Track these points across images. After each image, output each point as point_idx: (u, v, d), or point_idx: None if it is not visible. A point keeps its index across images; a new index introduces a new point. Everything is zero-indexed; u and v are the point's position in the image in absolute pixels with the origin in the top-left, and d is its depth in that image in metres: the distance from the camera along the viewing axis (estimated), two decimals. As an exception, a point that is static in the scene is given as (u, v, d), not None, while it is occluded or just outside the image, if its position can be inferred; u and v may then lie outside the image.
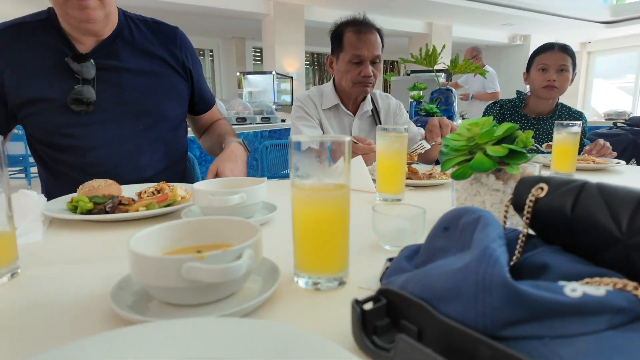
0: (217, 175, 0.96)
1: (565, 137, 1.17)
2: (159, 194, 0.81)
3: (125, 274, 0.46)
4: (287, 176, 2.25)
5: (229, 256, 0.41)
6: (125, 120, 1.04)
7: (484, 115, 1.95)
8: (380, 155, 0.87)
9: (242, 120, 3.65)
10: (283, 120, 4.08)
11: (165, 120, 1.11)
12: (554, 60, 1.70)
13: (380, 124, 1.53)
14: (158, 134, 1.10)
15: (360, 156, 1.05)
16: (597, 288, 0.32)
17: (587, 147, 1.61)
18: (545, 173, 0.74)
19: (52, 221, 0.76)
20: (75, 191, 0.82)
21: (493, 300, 0.32)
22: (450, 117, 2.16)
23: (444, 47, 2.12)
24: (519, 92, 1.90)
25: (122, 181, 0.91)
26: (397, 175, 0.86)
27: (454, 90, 2.25)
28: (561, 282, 0.33)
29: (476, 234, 0.39)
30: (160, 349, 0.33)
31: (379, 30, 1.42)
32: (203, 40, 8.82)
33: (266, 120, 3.84)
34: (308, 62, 8.86)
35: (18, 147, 4.36)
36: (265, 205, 0.83)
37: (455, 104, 2.26)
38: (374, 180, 1.08)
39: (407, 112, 1.84)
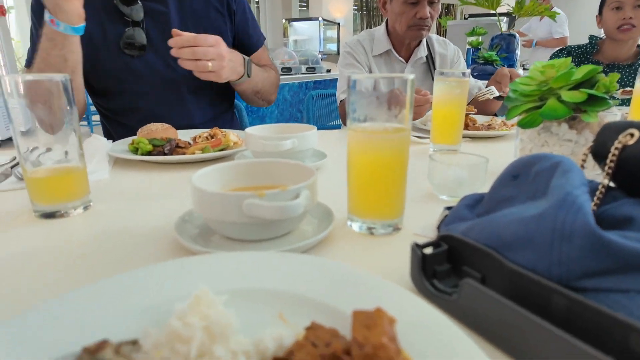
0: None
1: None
2: (212, 139, 0.83)
3: (188, 209, 0.48)
4: (333, 127, 2.22)
5: (287, 195, 0.41)
6: (172, 66, 1.03)
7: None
8: (437, 102, 0.82)
9: (287, 70, 3.59)
10: (328, 71, 3.96)
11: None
12: None
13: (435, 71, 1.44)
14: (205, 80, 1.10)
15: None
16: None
17: None
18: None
19: (116, 161, 0.81)
20: (134, 135, 0.86)
21: (572, 249, 0.30)
22: (512, 66, 1.99)
23: (508, -14, 1.91)
24: (592, 37, 1.69)
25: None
26: (455, 124, 0.81)
27: (517, 35, 2.05)
28: (655, 234, 0.30)
29: (554, 180, 0.36)
30: (223, 278, 0.35)
31: None
32: (248, -14, 8.53)
33: (311, 70, 3.75)
34: (356, 7, 8.35)
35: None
36: (314, 153, 0.82)
37: (518, 52, 2.06)
38: (425, 131, 1.03)
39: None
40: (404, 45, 1.41)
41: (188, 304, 0.27)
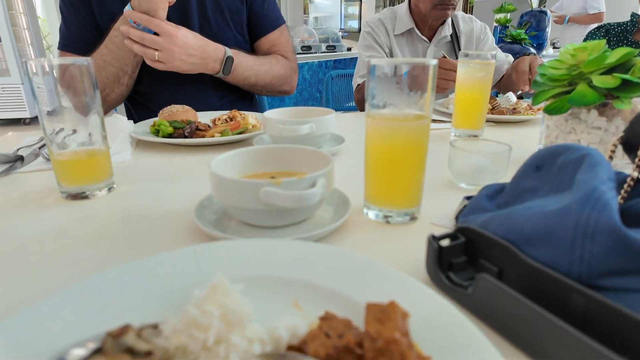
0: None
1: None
2: (231, 122, 0.83)
3: (207, 194, 0.49)
4: (352, 108, 2.19)
5: (304, 183, 0.41)
6: None
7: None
8: (460, 85, 0.79)
9: (306, 48, 3.53)
10: (349, 49, 3.88)
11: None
12: None
13: (460, 50, 1.38)
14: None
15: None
16: None
17: None
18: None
19: (138, 142, 0.82)
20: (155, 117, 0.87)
21: (595, 246, 0.29)
22: (541, 45, 1.90)
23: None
24: (634, 15, 1.59)
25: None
26: (479, 108, 0.78)
27: (548, 12, 1.95)
28: (685, 235, 0.28)
29: (580, 173, 0.35)
30: (240, 265, 0.35)
31: None
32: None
33: (331, 48, 3.68)
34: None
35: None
36: (333, 137, 0.82)
37: (549, 30, 1.97)
38: (446, 115, 1.00)
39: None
40: (427, 23, 1.36)
41: (205, 291, 0.28)
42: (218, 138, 0.76)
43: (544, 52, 2.07)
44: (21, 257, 0.41)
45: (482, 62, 0.77)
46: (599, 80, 0.58)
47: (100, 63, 0.93)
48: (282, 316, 0.30)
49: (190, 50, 0.89)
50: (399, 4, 1.43)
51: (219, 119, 0.84)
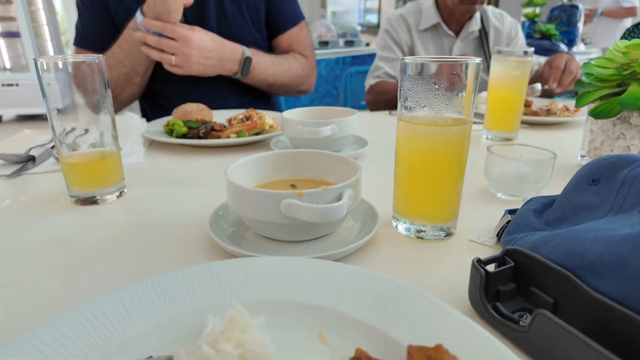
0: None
1: None
2: (247, 121, 0.80)
3: (222, 201, 0.45)
4: (369, 106, 2.13)
5: (329, 195, 0.37)
6: None
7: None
8: (493, 84, 0.74)
9: (324, 44, 3.47)
10: (367, 44, 3.80)
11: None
12: None
13: (488, 47, 1.31)
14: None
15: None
16: None
17: None
18: None
19: (151, 143, 0.80)
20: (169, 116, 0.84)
21: (684, 285, 0.24)
22: (572, 41, 1.81)
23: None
24: None
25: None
26: (514, 109, 0.73)
27: (580, 7, 1.85)
28: None
29: (657, 194, 0.30)
30: (259, 287, 0.32)
31: None
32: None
33: (349, 44, 3.60)
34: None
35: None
36: (355, 139, 0.77)
37: (580, 25, 1.87)
38: (477, 115, 0.95)
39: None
40: (454, 17, 1.29)
41: (222, 324, 0.24)
42: (234, 139, 0.73)
43: (574, 49, 1.97)
44: (25, 270, 0.38)
45: (518, 59, 0.71)
46: (657, 81, 0.52)
47: (113, 62, 0.92)
48: (308, 354, 0.26)
49: (207, 52, 0.86)
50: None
51: (235, 118, 0.81)
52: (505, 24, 1.33)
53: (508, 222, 0.41)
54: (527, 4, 1.85)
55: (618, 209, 0.35)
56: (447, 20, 1.31)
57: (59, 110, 0.50)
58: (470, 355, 0.24)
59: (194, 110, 0.79)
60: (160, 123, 0.85)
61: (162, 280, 0.31)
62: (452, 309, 0.27)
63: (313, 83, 1.16)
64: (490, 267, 0.33)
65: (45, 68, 0.49)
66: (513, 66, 0.71)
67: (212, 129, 0.75)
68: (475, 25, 1.29)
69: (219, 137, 0.74)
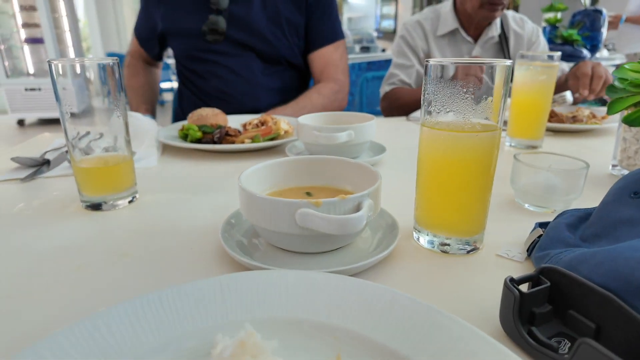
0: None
1: None
2: (262, 126, 0.78)
3: (235, 209, 0.44)
4: (385, 112, 2.11)
5: (347, 205, 0.35)
6: (247, 53, 1.09)
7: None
8: (518, 90, 0.71)
9: (340, 50, 3.47)
10: (383, 50, 3.78)
11: (281, 58, 1.12)
12: None
13: (509, 53, 1.27)
14: (275, 69, 1.13)
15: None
16: None
17: None
18: None
19: (165, 148, 0.79)
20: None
21: None
22: (595, 47, 1.75)
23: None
24: None
25: (240, 110, 1.01)
26: (539, 116, 0.70)
27: (604, 11, 1.80)
28: None
29: None
30: (272, 303, 0.30)
31: None
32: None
33: (365, 50, 3.59)
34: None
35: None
36: (372, 146, 0.75)
37: (604, 30, 1.81)
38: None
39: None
40: (473, 23, 1.26)
41: (231, 348, 0.22)
42: (248, 144, 0.71)
43: (597, 55, 1.91)
44: (34, 277, 0.37)
45: (544, 64, 0.68)
46: (700, 86, 0.49)
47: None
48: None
49: None
50: (437, 2, 1.33)
51: (250, 123, 0.80)
52: (526, 29, 1.28)
53: (539, 236, 0.38)
54: (548, 9, 1.81)
55: (666, 225, 0.31)
56: (466, 25, 1.27)
57: (74, 114, 0.50)
58: (507, 388, 0.22)
59: (209, 114, 0.78)
60: (174, 128, 0.85)
61: (170, 295, 0.29)
62: (485, 335, 0.25)
63: (344, 104, 1.18)
64: (524, 287, 0.30)
65: (60, 72, 0.48)
66: (538, 71, 0.68)
67: (227, 134, 0.74)
68: (495, 30, 1.26)
69: (233, 142, 0.73)
